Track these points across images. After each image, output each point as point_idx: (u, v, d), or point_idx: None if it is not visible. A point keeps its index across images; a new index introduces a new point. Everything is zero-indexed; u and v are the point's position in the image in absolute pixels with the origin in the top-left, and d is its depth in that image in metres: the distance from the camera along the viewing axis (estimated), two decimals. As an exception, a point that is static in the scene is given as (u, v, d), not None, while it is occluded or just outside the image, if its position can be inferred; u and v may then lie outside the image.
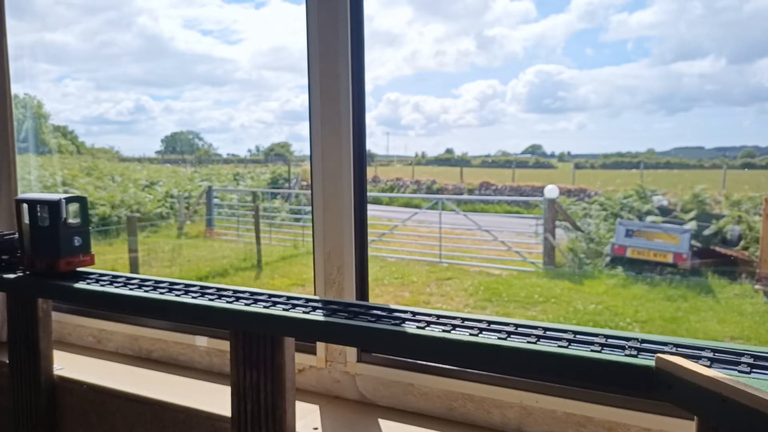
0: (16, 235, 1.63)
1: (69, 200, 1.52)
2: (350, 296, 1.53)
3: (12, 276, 1.58)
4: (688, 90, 14.60)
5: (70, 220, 1.53)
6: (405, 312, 1.15)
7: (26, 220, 1.56)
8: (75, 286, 1.47)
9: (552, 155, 15.38)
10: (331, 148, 1.51)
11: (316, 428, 1.41)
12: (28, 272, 1.58)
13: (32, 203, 1.54)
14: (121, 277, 1.52)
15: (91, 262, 1.59)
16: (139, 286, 1.42)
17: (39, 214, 1.53)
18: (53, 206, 1.50)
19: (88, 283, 1.48)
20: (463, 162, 14.96)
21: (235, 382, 1.28)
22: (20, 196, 1.56)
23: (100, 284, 1.47)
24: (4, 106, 2.02)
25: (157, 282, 1.45)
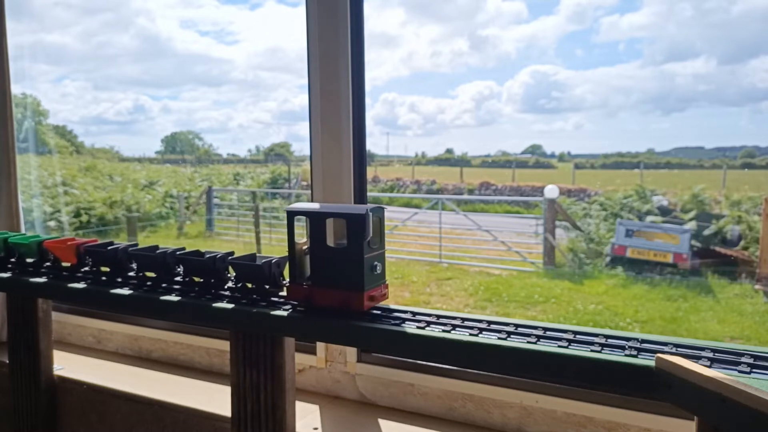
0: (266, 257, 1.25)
1: (374, 211, 1.09)
2: (350, 296, 1.53)
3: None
4: (682, 90, 14.67)
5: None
6: (405, 312, 1.14)
7: (297, 236, 1.16)
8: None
9: (552, 155, 15.39)
10: (331, 148, 1.51)
11: (316, 428, 1.41)
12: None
13: (317, 216, 1.11)
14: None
15: (387, 296, 1.18)
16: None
17: (326, 231, 1.12)
18: (356, 221, 1.06)
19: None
20: (463, 162, 14.95)
21: (235, 382, 1.28)
22: (294, 206, 1.14)
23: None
24: (4, 106, 2.02)
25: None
